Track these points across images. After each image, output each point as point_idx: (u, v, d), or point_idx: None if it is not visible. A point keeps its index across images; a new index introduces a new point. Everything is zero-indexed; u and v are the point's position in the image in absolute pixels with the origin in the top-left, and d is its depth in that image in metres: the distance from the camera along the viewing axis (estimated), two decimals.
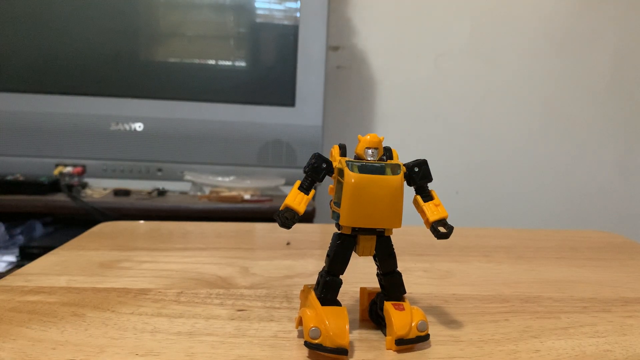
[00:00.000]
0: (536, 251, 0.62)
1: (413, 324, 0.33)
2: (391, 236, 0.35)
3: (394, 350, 0.33)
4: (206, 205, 1.13)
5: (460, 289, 0.47)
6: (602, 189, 1.64)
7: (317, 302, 0.34)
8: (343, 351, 0.31)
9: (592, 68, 1.61)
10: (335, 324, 0.32)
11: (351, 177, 0.32)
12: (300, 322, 0.34)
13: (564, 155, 1.63)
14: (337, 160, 0.34)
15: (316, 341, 0.31)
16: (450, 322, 0.39)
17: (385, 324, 0.35)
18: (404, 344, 0.33)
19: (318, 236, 0.71)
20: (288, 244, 0.62)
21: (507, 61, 1.59)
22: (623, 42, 1.61)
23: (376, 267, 0.36)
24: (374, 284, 0.37)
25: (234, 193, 1.18)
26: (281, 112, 1.27)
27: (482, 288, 0.47)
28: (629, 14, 1.60)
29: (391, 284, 0.35)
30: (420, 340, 0.33)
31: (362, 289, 0.38)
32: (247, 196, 1.17)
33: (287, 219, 0.33)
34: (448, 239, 0.34)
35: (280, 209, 0.33)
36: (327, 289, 0.34)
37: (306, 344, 0.32)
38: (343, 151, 0.35)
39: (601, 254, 0.62)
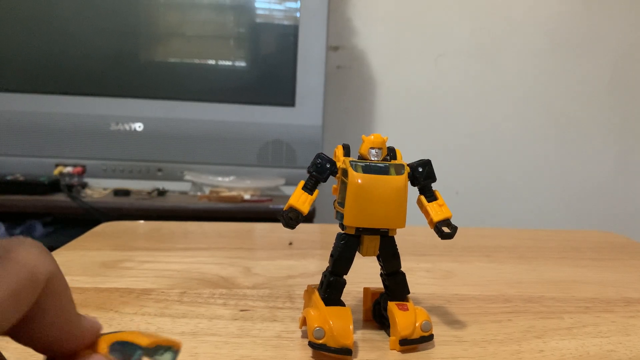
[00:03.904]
0: (538, 251, 0.62)
1: (417, 324, 0.33)
2: (394, 236, 0.35)
3: (398, 351, 0.33)
4: (206, 205, 1.13)
5: (463, 289, 0.47)
6: (603, 189, 1.65)
7: (321, 302, 0.34)
8: (347, 351, 0.31)
9: (592, 68, 1.61)
10: (339, 324, 0.32)
11: (355, 177, 0.32)
12: (304, 322, 0.34)
13: (564, 155, 1.63)
14: (341, 161, 0.34)
15: (320, 341, 0.31)
16: (453, 322, 0.39)
17: (389, 324, 0.35)
18: (407, 344, 0.33)
19: (319, 236, 0.71)
20: (290, 244, 0.62)
21: (507, 61, 1.59)
22: (623, 43, 1.61)
23: (380, 267, 0.36)
24: (377, 284, 0.37)
25: (234, 193, 1.18)
26: (281, 112, 1.27)
27: (484, 288, 0.47)
28: (629, 14, 1.60)
29: (395, 284, 0.35)
30: (424, 340, 0.33)
31: (366, 289, 0.38)
32: (247, 196, 1.16)
33: (291, 219, 0.33)
34: (451, 239, 0.34)
35: (284, 209, 0.33)
36: (331, 289, 0.34)
37: (310, 344, 0.32)
38: (347, 151, 0.35)
39: (603, 254, 0.62)
